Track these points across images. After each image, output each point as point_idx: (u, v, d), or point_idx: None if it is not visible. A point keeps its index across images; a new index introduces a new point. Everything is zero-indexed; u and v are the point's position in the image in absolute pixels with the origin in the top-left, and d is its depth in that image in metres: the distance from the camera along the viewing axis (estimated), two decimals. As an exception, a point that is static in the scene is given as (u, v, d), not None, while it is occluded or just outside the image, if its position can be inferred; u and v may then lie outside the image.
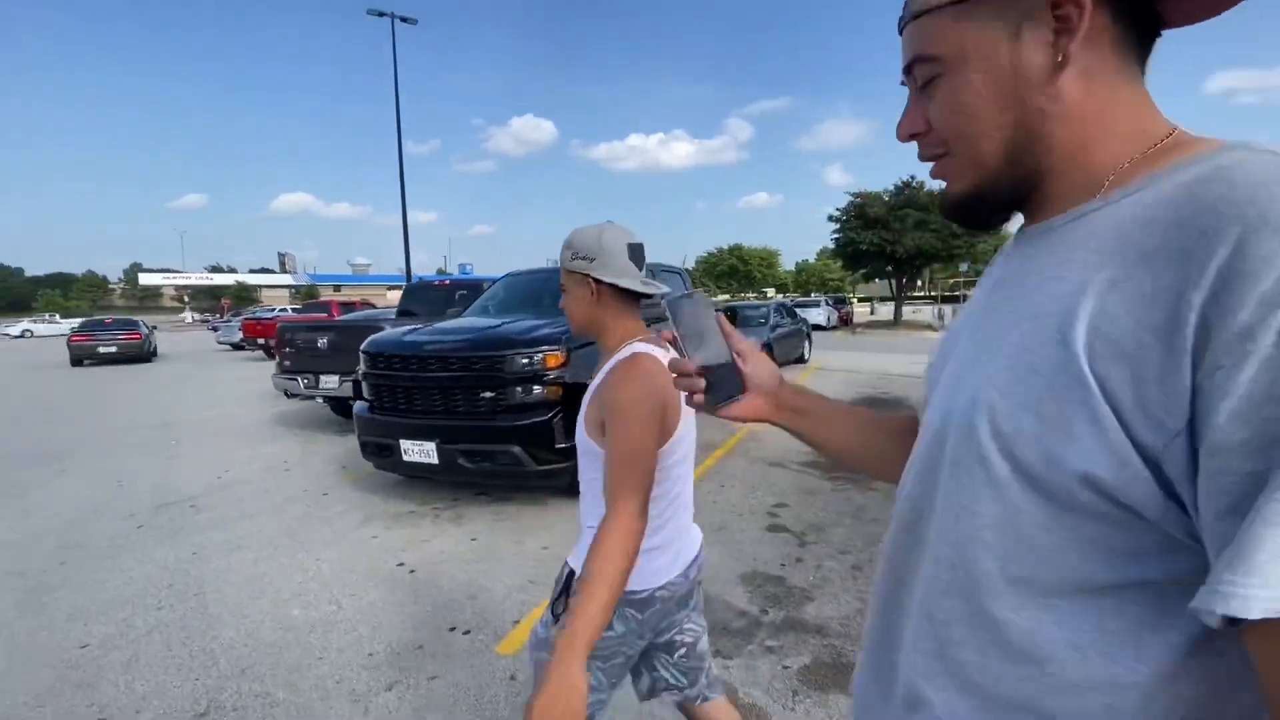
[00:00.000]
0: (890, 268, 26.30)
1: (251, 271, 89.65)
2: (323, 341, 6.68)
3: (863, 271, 28.24)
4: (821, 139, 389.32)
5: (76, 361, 17.53)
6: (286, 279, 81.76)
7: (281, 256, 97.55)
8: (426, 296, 8.53)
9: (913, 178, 25.00)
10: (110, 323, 19.02)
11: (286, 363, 6.98)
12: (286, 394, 7.04)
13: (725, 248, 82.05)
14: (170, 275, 78.53)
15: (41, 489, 5.09)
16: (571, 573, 1.29)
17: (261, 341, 17.64)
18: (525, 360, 4.04)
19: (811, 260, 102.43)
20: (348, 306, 19.55)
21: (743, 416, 0.77)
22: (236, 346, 21.41)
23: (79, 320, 23.51)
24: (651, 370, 1.21)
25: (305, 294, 65.83)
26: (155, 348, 19.75)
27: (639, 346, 1.26)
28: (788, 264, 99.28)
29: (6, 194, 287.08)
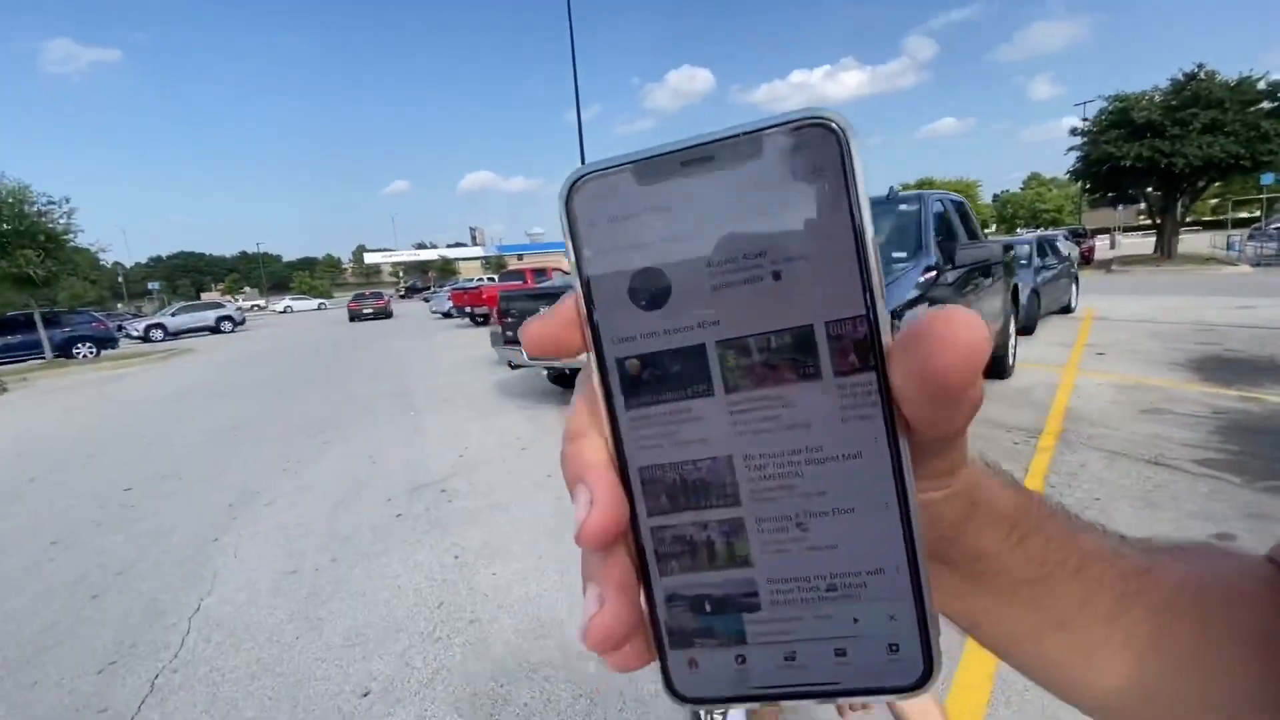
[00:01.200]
0: (1156, 189, 20.72)
1: (448, 246, 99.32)
2: (544, 308, 6.26)
3: (1110, 196, 22.75)
4: (1025, 46, 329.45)
5: (353, 318, 27.51)
6: (478, 251, 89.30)
7: (473, 231, 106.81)
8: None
9: (1199, 67, 18.88)
10: (369, 294, 29.21)
11: (509, 333, 6.70)
12: (510, 365, 6.79)
13: (910, 183, 73.83)
14: (387, 254, 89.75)
15: (312, 464, 5.22)
16: None
17: (468, 310, 18.79)
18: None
19: (1015, 190, 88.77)
20: (539, 273, 20.25)
21: None
22: (446, 315, 23.37)
23: (352, 294, 34.10)
24: None
25: (496, 264, 71.27)
26: (392, 311, 28.97)
27: None
28: (985, 196, 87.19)
29: (267, 195, 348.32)
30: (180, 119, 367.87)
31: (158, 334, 25.82)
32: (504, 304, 6.76)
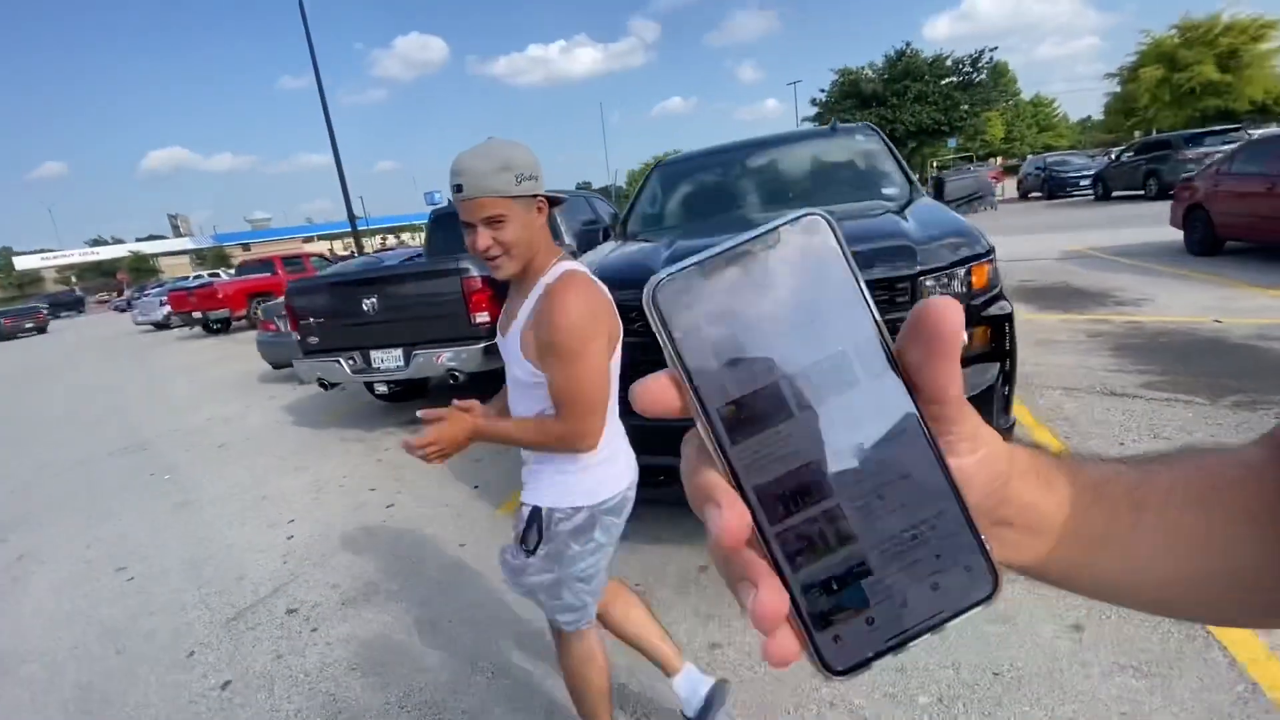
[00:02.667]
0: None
1: (139, 240, 79.56)
2: (371, 302, 4.50)
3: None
4: (731, 33, 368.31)
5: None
6: (186, 243, 73.20)
7: (173, 219, 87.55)
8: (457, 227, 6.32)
9: (907, 45, 22.20)
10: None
11: (314, 339, 4.78)
12: (323, 384, 4.87)
13: (661, 158, 78.20)
14: (49, 255, 68.95)
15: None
16: (535, 510, 1.34)
17: (198, 315, 14.66)
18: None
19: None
20: (292, 261, 16.63)
21: None
22: (160, 325, 18.22)
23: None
24: (593, 286, 1.26)
25: (214, 256, 59.07)
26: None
27: (570, 264, 1.28)
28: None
29: None
30: None
31: None
32: (298, 301, 4.79)
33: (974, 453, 0.26)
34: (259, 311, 7.59)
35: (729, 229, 2.23)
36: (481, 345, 4.31)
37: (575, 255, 1.86)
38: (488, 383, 2.31)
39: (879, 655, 0.24)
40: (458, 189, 1.18)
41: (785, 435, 0.24)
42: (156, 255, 69.56)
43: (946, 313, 0.23)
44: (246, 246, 69.40)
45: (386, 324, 4.52)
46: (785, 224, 0.25)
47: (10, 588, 3.21)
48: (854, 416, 0.24)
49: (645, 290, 0.24)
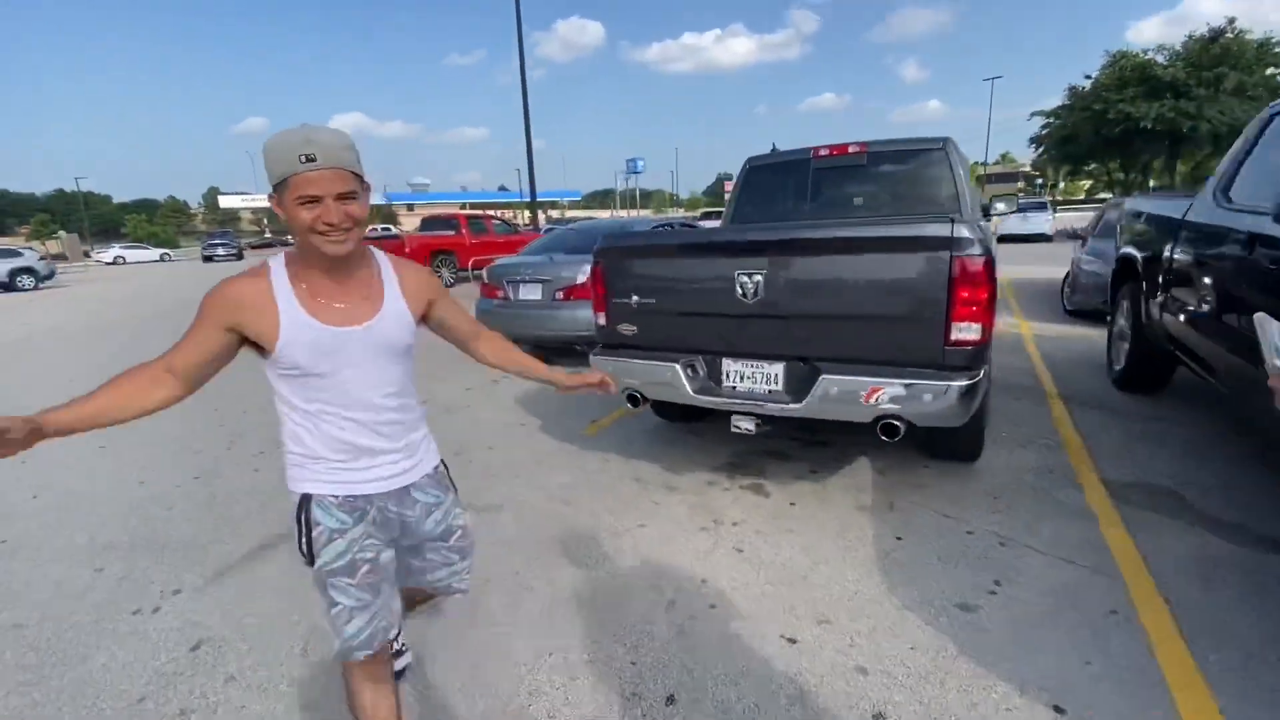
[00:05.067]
0: (1144, 155, 19.66)
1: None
2: (752, 281, 2.69)
3: (1090, 168, 21.93)
4: (896, 29, 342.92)
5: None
6: (360, 198, 79.20)
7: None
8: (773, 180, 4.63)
9: (1230, 22, 16.82)
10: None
11: (630, 327, 3.09)
12: (634, 399, 3.15)
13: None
14: (246, 197, 77.32)
15: None
16: (442, 464, 1.54)
17: (383, 267, 14.20)
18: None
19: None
20: (475, 221, 15.93)
21: None
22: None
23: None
24: None
25: (383, 214, 63.10)
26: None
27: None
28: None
29: (92, 129, 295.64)
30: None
31: (-89, 292, 18.54)
32: (617, 264, 3.10)
33: None
34: (483, 274, 6.21)
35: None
36: (963, 383, 2.38)
37: None
38: None
39: None
40: (310, 159, 1.11)
41: None
42: (334, 207, 75.63)
43: None
44: (410, 207, 74.00)
45: (766, 319, 2.71)
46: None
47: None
48: None
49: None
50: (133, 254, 41.45)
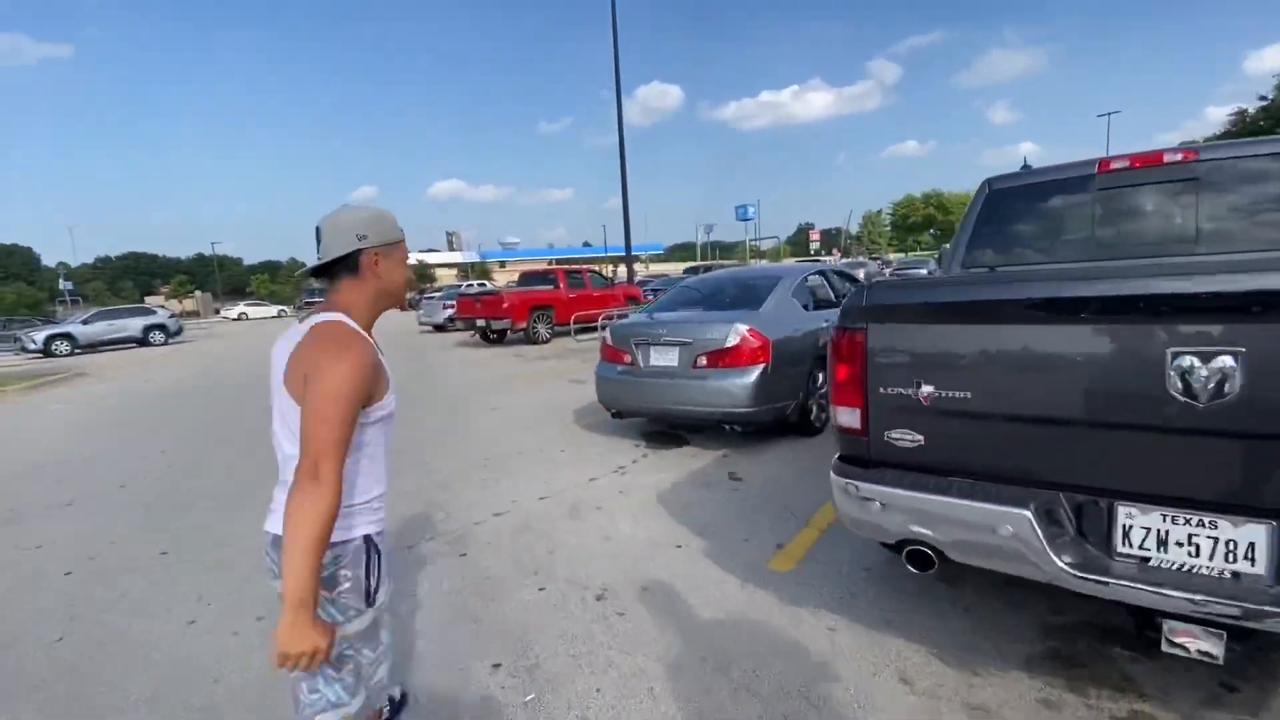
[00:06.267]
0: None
1: (421, 251, 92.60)
2: (1217, 371, 1.40)
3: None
4: (984, 73, 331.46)
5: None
6: (457, 256, 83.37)
7: (449, 235, 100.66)
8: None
9: None
10: (315, 299, 20.72)
11: (919, 440, 1.84)
12: (922, 556, 1.88)
13: (918, 195, 70.28)
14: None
15: None
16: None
17: (481, 322, 13.71)
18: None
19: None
20: (573, 275, 15.34)
21: None
22: (439, 328, 18.32)
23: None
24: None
25: (479, 270, 65.69)
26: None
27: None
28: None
29: (228, 195, 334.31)
30: (140, 115, 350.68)
31: (62, 346, 20.00)
32: (890, 339, 1.90)
33: None
34: (606, 335, 5.18)
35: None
36: None
37: None
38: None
39: None
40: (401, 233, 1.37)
41: None
42: (436, 265, 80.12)
43: None
44: (502, 264, 77.03)
45: (1232, 440, 1.40)
46: None
47: None
48: None
49: None
50: (255, 310, 44.87)
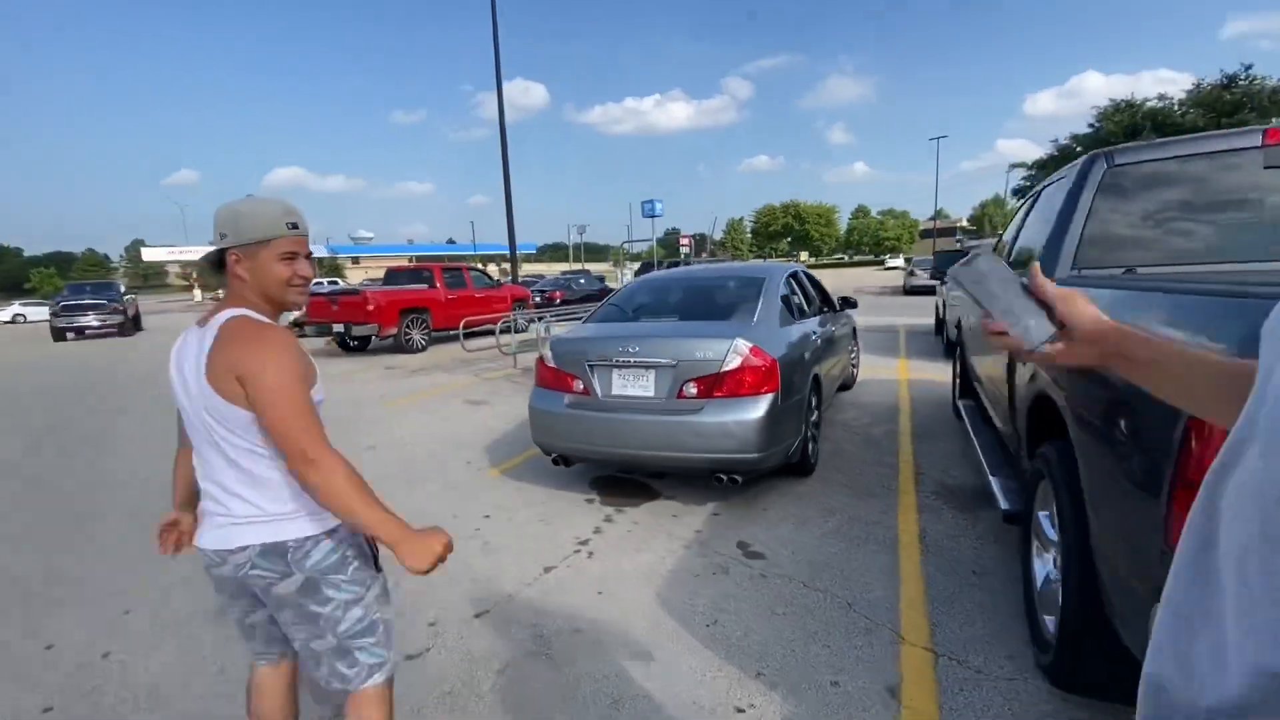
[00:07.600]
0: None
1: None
2: None
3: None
4: (824, 97, 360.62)
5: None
6: (301, 251, 75.01)
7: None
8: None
9: (1246, 69, 16.79)
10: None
11: None
12: None
13: (778, 205, 74.17)
14: (175, 250, 71.72)
15: None
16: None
17: (339, 328, 11.43)
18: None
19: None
20: (452, 272, 13.39)
21: (1059, 360, 0.79)
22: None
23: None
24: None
25: (328, 266, 59.21)
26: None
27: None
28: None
29: (6, 174, 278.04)
30: None
31: None
32: None
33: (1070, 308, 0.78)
34: (545, 352, 3.78)
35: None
36: None
37: None
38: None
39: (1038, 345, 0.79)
40: (294, 226, 1.28)
41: (1010, 301, 0.83)
42: (273, 260, 70.98)
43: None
44: (356, 260, 70.43)
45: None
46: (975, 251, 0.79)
47: None
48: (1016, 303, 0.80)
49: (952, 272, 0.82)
50: (34, 311, 36.45)
